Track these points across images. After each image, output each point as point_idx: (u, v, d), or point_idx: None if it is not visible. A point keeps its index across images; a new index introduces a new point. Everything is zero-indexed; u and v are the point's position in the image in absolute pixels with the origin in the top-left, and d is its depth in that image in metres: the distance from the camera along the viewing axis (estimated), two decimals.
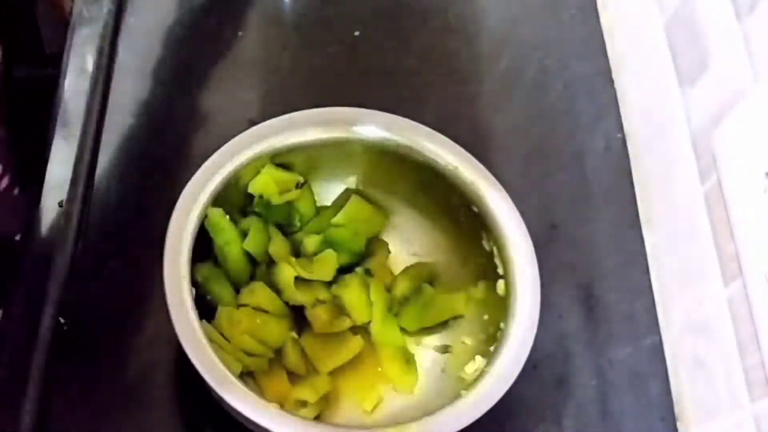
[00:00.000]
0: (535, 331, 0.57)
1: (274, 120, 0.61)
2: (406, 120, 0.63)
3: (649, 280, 0.68)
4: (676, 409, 0.63)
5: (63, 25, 0.74)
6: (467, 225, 0.62)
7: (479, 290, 0.62)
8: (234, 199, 0.61)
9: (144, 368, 0.61)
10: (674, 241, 0.66)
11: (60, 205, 0.64)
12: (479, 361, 0.58)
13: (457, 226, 0.63)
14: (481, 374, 0.56)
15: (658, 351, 0.65)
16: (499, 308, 0.59)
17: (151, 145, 0.70)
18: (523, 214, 0.69)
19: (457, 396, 0.55)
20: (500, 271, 0.60)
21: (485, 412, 0.54)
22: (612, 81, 0.76)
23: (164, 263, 0.54)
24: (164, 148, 0.69)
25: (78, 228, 0.64)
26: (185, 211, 0.57)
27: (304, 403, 0.58)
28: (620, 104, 0.75)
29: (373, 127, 0.62)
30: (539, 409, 0.63)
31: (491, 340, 0.58)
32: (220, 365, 0.52)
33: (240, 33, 0.75)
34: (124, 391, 0.60)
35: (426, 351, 0.62)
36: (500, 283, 0.60)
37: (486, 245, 0.61)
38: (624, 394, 0.64)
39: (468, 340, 0.61)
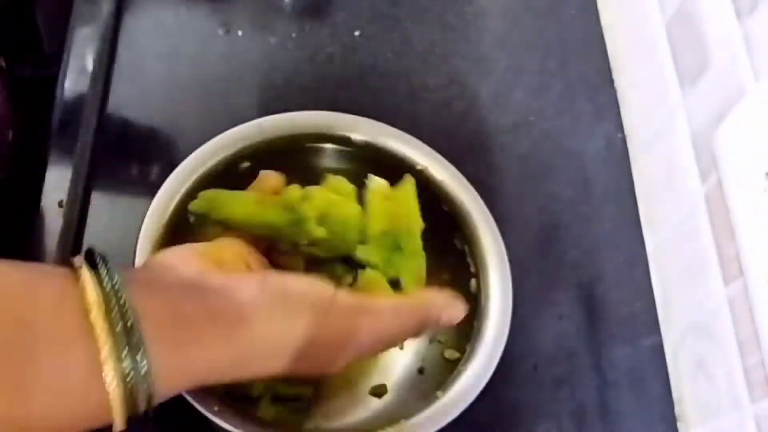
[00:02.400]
0: (507, 329, 0.58)
1: (245, 125, 0.63)
2: (374, 121, 0.64)
3: (650, 280, 0.68)
4: (677, 410, 0.63)
5: (63, 25, 0.74)
6: (438, 224, 0.62)
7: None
8: None
9: None
10: (674, 241, 0.66)
11: (60, 205, 0.64)
12: (455, 360, 0.59)
13: (428, 225, 0.63)
14: (456, 374, 0.56)
15: (658, 351, 0.65)
16: (473, 307, 0.59)
17: (151, 145, 0.70)
18: (523, 214, 0.69)
19: (433, 397, 0.55)
20: (472, 269, 0.61)
21: (463, 410, 0.54)
22: (612, 81, 0.76)
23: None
24: (164, 148, 0.69)
25: (78, 228, 0.64)
26: (157, 217, 0.59)
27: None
28: (620, 104, 0.75)
29: (342, 129, 0.63)
30: (539, 410, 0.63)
31: (466, 339, 0.58)
32: None
33: (240, 33, 0.75)
34: None
35: (402, 352, 0.62)
36: (472, 282, 0.60)
37: (458, 244, 0.62)
38: (624, 394, 0.63)
39: (443, 339, 0.61)
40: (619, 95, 0.76)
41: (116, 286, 0.37)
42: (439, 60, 0.76)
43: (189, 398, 0.51)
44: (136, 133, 0.70)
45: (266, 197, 0.55)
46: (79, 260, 0.39)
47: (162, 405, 0.59)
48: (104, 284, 0.37)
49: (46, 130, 0.68)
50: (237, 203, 0.55)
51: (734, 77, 0.57)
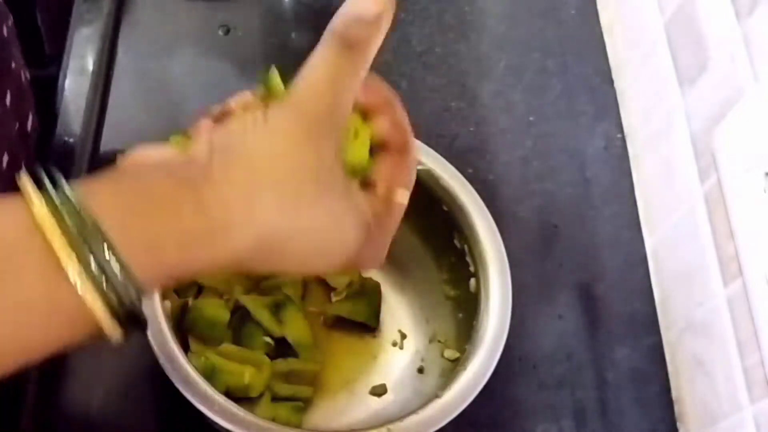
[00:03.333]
0: (507, 329, 0.58)
1: None
2: None
3: (649, 280, 0.68)
4: (676, 409, 0.63)
5: (63, 25, 0.74)
6: (438, 224, 0.62)
7: (452, 289, 0.63)
8: None
9: (143, 368, 0.61)
10: (674, 241, 0.66)
11: None
12: (455, 359, 0.59)
13: (428, 225, 0.63)
14: (455, 373, 0.56)
15: (657, 351, 0.65)
16: (473, 306, 0.59)
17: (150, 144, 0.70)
18: (522, 214, 0.69)
19: (433, 396, 0.55)
20: (472, 269, 0.61)
21: (463, 410, 0.54)
22: (612, 81, 0.76)
23: None
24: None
25: None
26: None
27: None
28: (620, 104, 0.75)
29: None
30: (539, 409, 0.63)
31: (465, 339, 0.59)
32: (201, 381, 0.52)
33: (240, 33, 0.75)
34: (123, 390, 0.60)
35: (402, 352, 0.63)
36: (472, 281, 0.60)
37: (457, 243, 0.62)
38: (624, 394, 0.64)
39: (443, 339, 0.61)
40: (619, 95, 0.76)
41: (65, 193, 0.34)
42: (439, 60, 0.76)
43: (189, 398, 0.51)
44: (136, 133, 0.70)
45: None
46: (23, 179, 0.36)
47: (162, 405, 0.60)
48: (50, 193, 0.34)
49: (46, 130, 0.68)
50: None
51: (733, 77, 0.57)
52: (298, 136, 0.38)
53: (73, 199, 0.34)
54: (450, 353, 0.61)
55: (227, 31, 0.75)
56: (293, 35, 0.75)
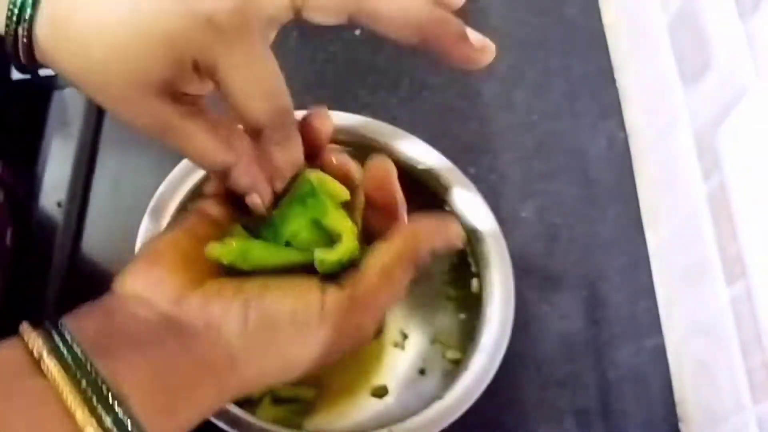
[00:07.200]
0: (509, 329, 0.58)
1: None
2: (375, 121, 0.64)
3: (652, 280, 0.68)
4: (679, 411, 0.63)
5: None
6: None
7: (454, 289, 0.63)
8: None
9: None
10: (677, 241, 0.66)
11: (59, 205, 0.64)
12: (457, 360, 0.59)
13: None
14: (457, 374, 0.56)
15: (660, 352, 0.65)
16: (475, 307, 0.59)
17: (150, 145, 0.69)
18: (526, 213, 0.69)
19: (435, 397, 0.55)
20: (474, 269, 0.61)
21: (465, 411, 0.54)
22: (614, 80, 0.76)
23: None
24: (163, 148, 0.69)
25: (77, 228, 0.64)
26: (156, 217, 0.59)
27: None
28: (623, 103, 0.75)
29: (342, 128, 0.63)
30: (541, 410, 0.62)
31: (467, 340, 0.58)
32: None
33: None
34: None
35: (404, 352, 0.62)
36: (474, 282, 0.60)
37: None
38: (626, 395, 0.63)
39: (445, 340, 0.61)
40: (622, 94, 0.75)
41: (77, 353, 0.34)
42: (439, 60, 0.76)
43: None
44: (136, 132, 0.70)
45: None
46: (26, 328, 0.36)
47: None
48: (64, 354, 0.34)
49: (46, 131, 0.68)
50: (270, 253, 0.47)
51: (737, 76, 0.57)
52: (336, 341, 0.41)
53: (87, 361, 0.34)
54: (452, 354, 0.60)
55: None
56: (294, 34, 0.75)
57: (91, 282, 0.63)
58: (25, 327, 0.36)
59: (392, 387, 0.61)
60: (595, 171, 0.72)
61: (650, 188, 0.71)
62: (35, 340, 0.35)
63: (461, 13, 0.44)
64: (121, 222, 0.65)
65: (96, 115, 0.69)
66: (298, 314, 0.39)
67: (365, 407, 0.60)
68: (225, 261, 0.42)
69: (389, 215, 0.45)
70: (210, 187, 0.45)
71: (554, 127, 0.74)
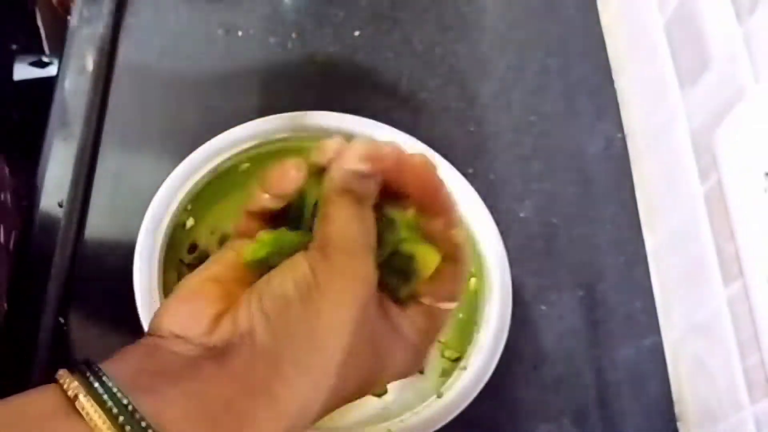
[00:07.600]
0: (507, 329, 0.58)
1: (245, 125, 0.63)
2: (374, 121, 0.64)
3: (650, 280, 0.68)
4: (677, 410, 0.63)
5: (63, 25, 0.74)
6: None
7: None
8: None
9: None
10: (674, 241, 0.66)
11: (60, 205, 0.64)
12: (455, 359, 0.59)
13: None
14: (456, 374, 0.56)
15: (658, 351, 0.65)
16: (473, 306, 0.60)
17: (150, 145, 0.70)
18: (523, 213, 0.69)
19: (434, 396, 0.55)
20: (472, 269, 0.61)
21: (463, 410, 0.55)
22: (612, 81, 0.76)
23: (134, 273, 0.56)
24: (164, 147, 0.69)
25: (78, 228, 0.64)
26: (156, 218, 0.59)
27: None
28: (620, 104, 0.75)
29: (342, 129, 0.63)
30: (539, 410, 0.63)
31: (466, 339, 0.59)
32: None
33: (239, 33, 0.75)
34: None
35: None
36: (472, 281, 0.61)
37: None
38: (624, 394, 0.63)
39: (443, 339, 0.61)
40: (619, 95, 0.75)
41: (114, 390, 0.34)
42: (439, 60, 0.76)
43: None
44: (136, 133, 0.70)
45: None
46: (62, 373, 0.36)
47: None
48: (99, 392, 0.34)
49: (46, 131, 0.68)
50: (301, 237, 0.46)
51: (734, 77, 0.57)
52: (352, 311, 0.40)
53: (129, 406, 0.34)
54: (450, 353, 0.60)
55: (227, 31, 0.75)
56: (293, 35, 0.75)
57: (92, 281, 0.63)
58: (61, 372, 0.36)
59: (391, 386, 0.61)
60: (592, 171, 0.72)
61: (648, 188, 0.71)
62: (71, 382, 0.35)
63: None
64: (121, 222, 0.65)
65: (97, 116, 0.69)
66: (298, 282, 0.39)
67: (364, 406, 0.60)
68: (261, 255, 0.42)
69: (439, 214, 0.44)
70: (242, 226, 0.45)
71: (552, 127, 0.74)
